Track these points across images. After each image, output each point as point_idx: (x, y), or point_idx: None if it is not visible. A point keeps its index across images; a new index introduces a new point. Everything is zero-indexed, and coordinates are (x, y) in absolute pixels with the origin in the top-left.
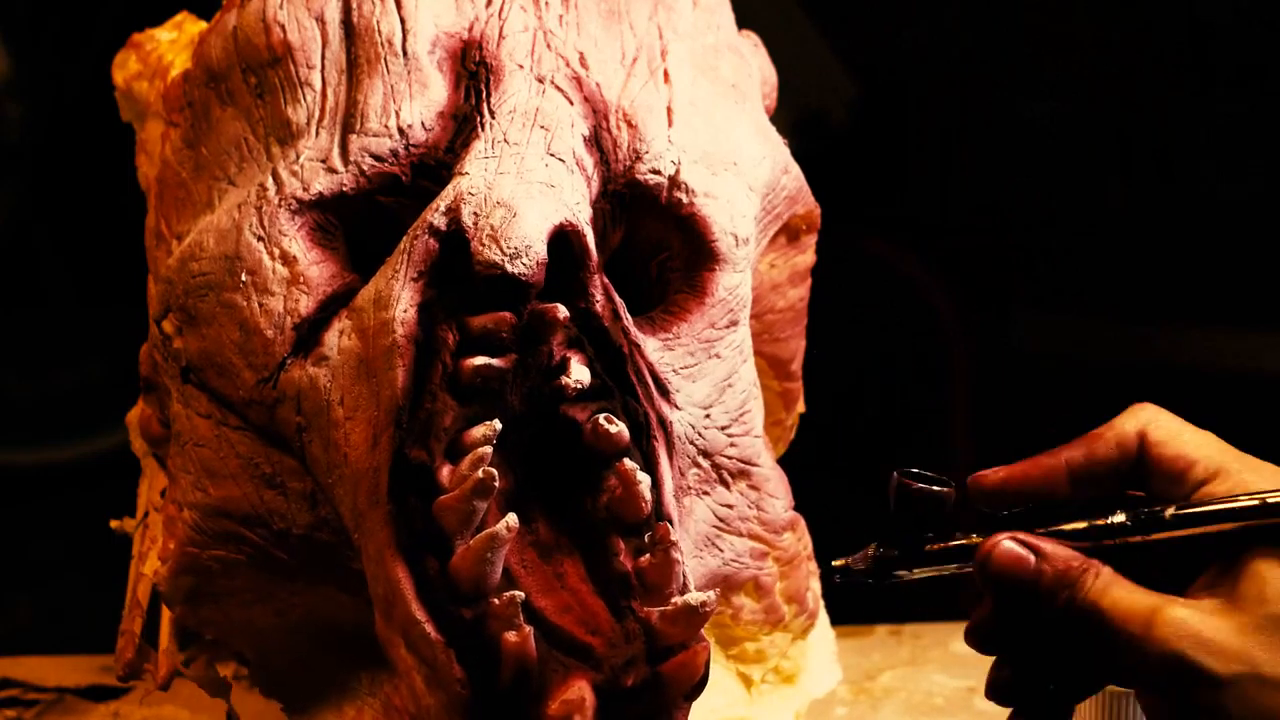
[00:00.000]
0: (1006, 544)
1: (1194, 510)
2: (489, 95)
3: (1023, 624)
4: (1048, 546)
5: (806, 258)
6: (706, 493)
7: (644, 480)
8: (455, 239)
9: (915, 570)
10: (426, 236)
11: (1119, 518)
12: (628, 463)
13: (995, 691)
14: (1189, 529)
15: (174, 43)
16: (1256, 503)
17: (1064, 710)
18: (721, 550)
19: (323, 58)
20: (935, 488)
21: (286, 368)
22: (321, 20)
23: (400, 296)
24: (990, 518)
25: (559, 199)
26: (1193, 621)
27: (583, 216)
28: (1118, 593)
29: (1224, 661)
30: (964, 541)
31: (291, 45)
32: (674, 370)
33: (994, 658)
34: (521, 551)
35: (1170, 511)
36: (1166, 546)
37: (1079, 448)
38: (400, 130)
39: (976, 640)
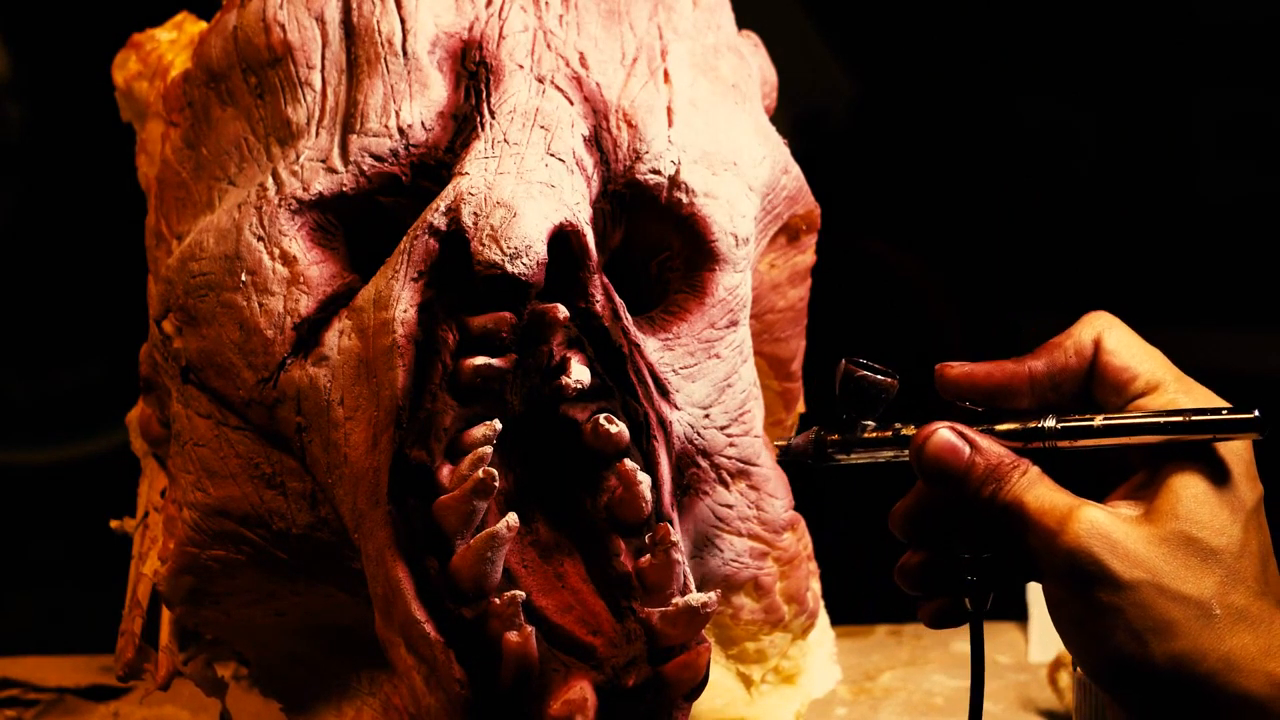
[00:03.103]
0: (943, 433)
1: (1120, 421)
2: (489, 95)
3: (948, 513)
4: (983, 441)
5: (806, 258)
6: (706, 493)
7: (644, 480)
8: (455, 239)
9: (852, 454)
10: (426, 236)
11: (1050, 422)
12: (628, 463)
13: (903, 576)
14: (1114, 438)
15: (174, 43)
16: (1180, 419)
17: (981, 601)
18: (721, 550)
19: (323, 58)
20: (879, 377)
21: (286, 368)
22: (321, 20)
23: (400, 296)
24: (930, 413)
25: (559, 199)
26: (1105, 524)
27: (583, 216)
28: (1040, 490)
29: (1128, 566)
30: (901, 430)
31: (291, 45)
32: (674, 370)
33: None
34: (522, 551)
35: (1099, 420)
36: (1098, 453)
37: (1041, 357)
38: (400, 130)
39: (898, 525)
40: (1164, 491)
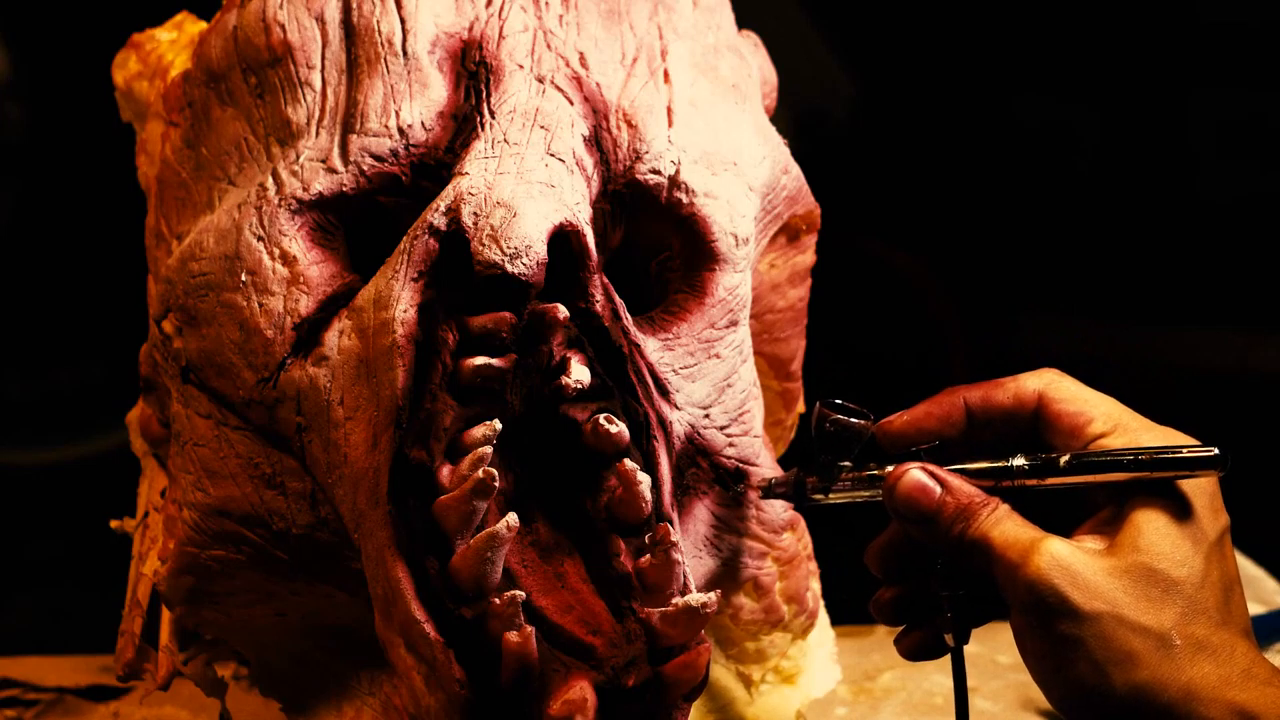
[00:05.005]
0: (915, 473)
1: (1087, 459)
2: (489, 95)
3: (922, 550)
4: (954, 481)
5: (806, 258)
6: (706, 493)
7: (644, 480)
8: (455, 239)
9: (830, 495)
10: (426, 236)
11: (1019, 460)
12: (628, 463)
13: (879, 610)
14: (1080, 476)
15: (174, 43)
16: (1144, 456)
17: (961, 637)
18: (721, 550)
19: (323, 58)
20: (853, 419)
21: (286, 368)
22: (321, 20)
23: (400, 296)
24: (905, 453)
25: (559, 199)
26: (1066, 556)
27: (583, 216)
28: (1007, 525)
29: (1088, 598)
30: (876, 471)
31: (291, 45)
32: (674, 370)
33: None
34: (522, 551)
35: (1065, 459)
36: (1066, 491)
37: (977, 390)
38: (400, 130)
39: (874, 561)
40: (1127, 525)
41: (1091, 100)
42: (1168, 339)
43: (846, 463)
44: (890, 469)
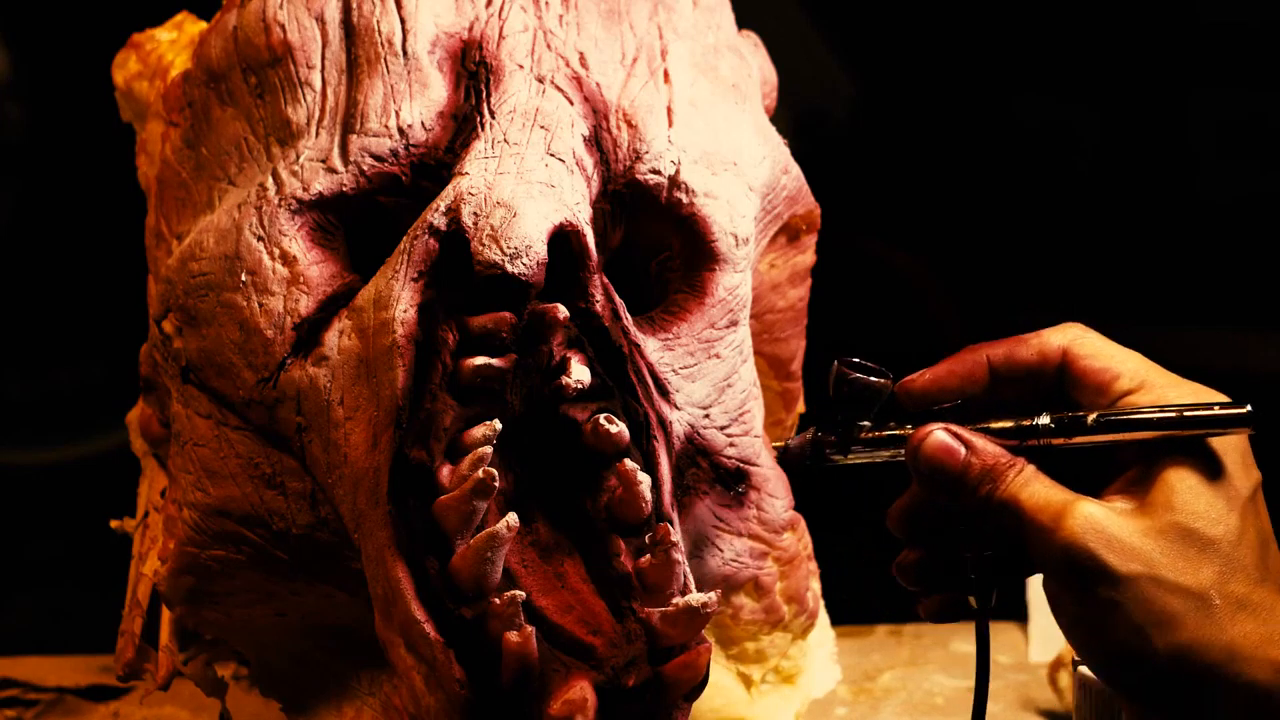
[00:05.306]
0: (939, 434)
1: (1115, 417)
2: (489, 95)
3: (945, 512)
4: (978, 441)
5: (806, 258)
6: (706, 493)
7: (644, 480)
8: (455, 239)
9: (849, 455)
10: (426, 236)
11: (1044, 419)
12: (628, 463)
13: (901, 572)
14: (1108, 435)
15: (174, 43)
16: (1174, 414)
17: (986, 598)
18: (721, 550)
19: (323, 58)
20: (872, 378)
21: (286, 368)
22: (321, 20)
23: (400, 296)
24: (926, 412)
25: (559, 199)
26: (1100, 518)
27: (583, 216)
28: (1036, 487)
29: (1124, 560)
30: (897, 431)
31: (291, 45)
32: (674, 370)
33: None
34: (522, 551)
35: (1093, 417)
36: (1091, 450)
37: (1001, 346)
38: (400, 130)
39: (896, 523)
40: (1159, 484)
41: (1091, 100)
42: (1168, 339)
43: (865, 422)
44: (912, 429)
